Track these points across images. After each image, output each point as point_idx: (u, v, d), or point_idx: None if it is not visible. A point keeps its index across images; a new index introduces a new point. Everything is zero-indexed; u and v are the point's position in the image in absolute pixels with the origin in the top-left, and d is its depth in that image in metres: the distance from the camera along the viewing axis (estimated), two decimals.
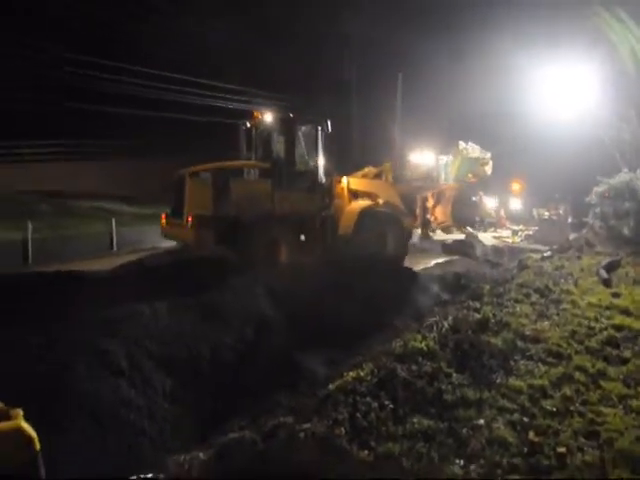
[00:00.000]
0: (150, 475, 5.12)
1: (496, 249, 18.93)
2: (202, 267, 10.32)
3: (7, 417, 4.49)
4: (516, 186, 28.31)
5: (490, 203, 26.40)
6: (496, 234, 23.80)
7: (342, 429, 4.72)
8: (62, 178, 24.62)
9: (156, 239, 15.41)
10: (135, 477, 5.19)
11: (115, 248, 13.97)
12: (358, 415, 4.96)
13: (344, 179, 13.22)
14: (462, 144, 23.67)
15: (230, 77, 27.54)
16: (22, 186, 22.74)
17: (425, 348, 6.51)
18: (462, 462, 4.31)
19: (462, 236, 20.85)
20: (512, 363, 6.40)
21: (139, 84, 24.67)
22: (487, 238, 21.63)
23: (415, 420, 4.91)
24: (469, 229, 23.09)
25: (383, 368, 5.85)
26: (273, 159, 12.11)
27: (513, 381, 5.86)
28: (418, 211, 14.41)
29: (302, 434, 4.61)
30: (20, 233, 14.34)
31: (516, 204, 27.65)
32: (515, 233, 24.15)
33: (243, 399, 6.86)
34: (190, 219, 10.56)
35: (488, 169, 25.91)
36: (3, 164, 25.02)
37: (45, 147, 26.41)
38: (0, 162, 25.10)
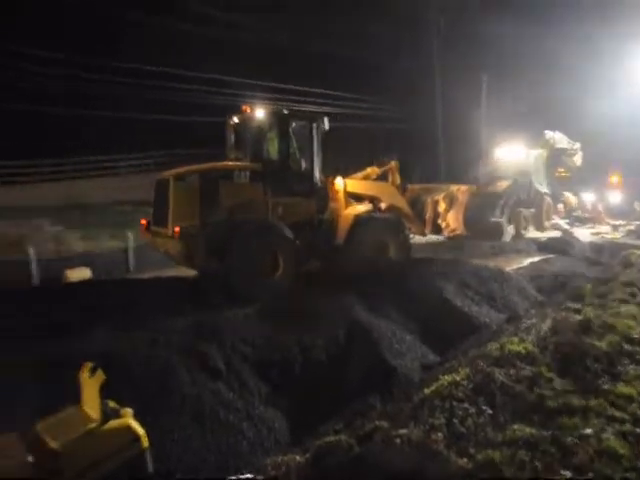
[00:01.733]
0: (249, 475, 5.25)
1: (595, 246, 17.91)
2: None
3: (118, 416, 4.78)
4: (614, 178, 26.72)
5: (587, 198, 25.10)
6: (594, 230, 22.56)
7: (439, 435, 4.63)
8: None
9: None
10: (235, 477, 5.36)
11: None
12: (455, 420, 4.85)
13: (339, 181, 11.77)
14: (549, 133, 22.64)
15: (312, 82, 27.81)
16: (118, 196, 24.06)
17: (523, 351, 6.27)
18: (569, 473, 4.10)
19: (557, 233, 19.95)
20: (619, 368, 6.03)
21: (228, 93, 25.38)
22: (585, 235, 20.56)
23: (516, 427, 4.73)
24: (564, 225, 22.07)
25: (480, 372, 5.68)
26: (265, 160, 10.88)
27: (622, 387, 5.52)
28: (428, 216, 12.94)
29: (398, 439, 4.57)
30: (120, 242, 15.19)
31: (615, 198, 26.05)
32: (615, 228, 22.79)
33: (336, 402, 6.89)
34: (176, 230, 9.45)
35: (578, 160, 24.57)
36: (102, 177, 26.76)
37: (138, 159, 27.99)
38: (99, 175, 26.92)
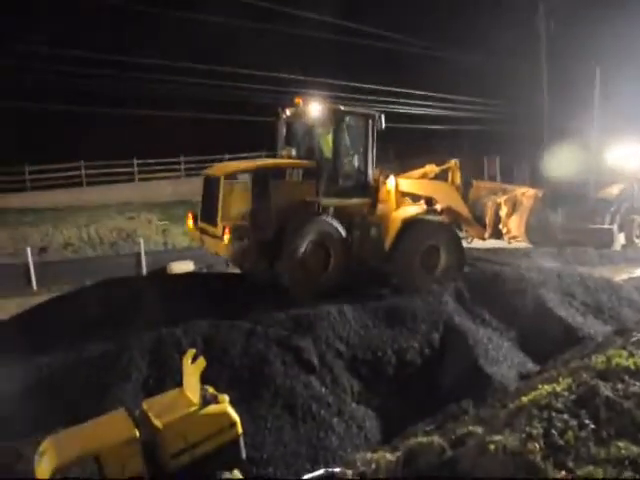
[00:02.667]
0: (338, 469, 5.30)
1: None
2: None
3: (216, 401, 5.00)
4: None
5: None
6: None
7: (536, 445, 4.45)
8: None
9: None
10: (324, 470, 5.43)
11: None
12: (554, 432, 4.64)
13: (391, 180, 11.04)
14: None
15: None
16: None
17: (633, 366, 5.87)
18: None
19: None
20: None
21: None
22: None
23: (621, 445, 4.45)
24: None
25: (583, 384, 5.39)
26: (318, 158, 10.35)
27: None
28: (489, 219, 11.58)
29: (492, 446, 4.44)
30: None
31: None
32: None
33: (428, 404, 6.82)
34: (226, 231, 9.19)
35: None
36: (191, 176, 27.56)
37: (218, 161, 28.69)
38: (191, 174, 27.83)
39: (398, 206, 10.88)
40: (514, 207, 11.54)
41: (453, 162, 11.89)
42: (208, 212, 9.78)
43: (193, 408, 4.88)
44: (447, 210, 11.25)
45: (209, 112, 25.70)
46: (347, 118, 10.39)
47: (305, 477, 5.22)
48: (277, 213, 9.54)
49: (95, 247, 17.57)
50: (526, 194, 11.59)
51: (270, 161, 10.62)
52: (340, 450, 6.13)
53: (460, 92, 28.85)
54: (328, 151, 10.41)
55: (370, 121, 10.42)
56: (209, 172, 10.17)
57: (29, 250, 13.20)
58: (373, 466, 4.88)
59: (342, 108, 10.30)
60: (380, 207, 10.79)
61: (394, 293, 9.69)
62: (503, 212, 11.41)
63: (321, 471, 5.40)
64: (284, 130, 11.07)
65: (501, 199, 11.51)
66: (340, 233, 9.78)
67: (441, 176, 11.91)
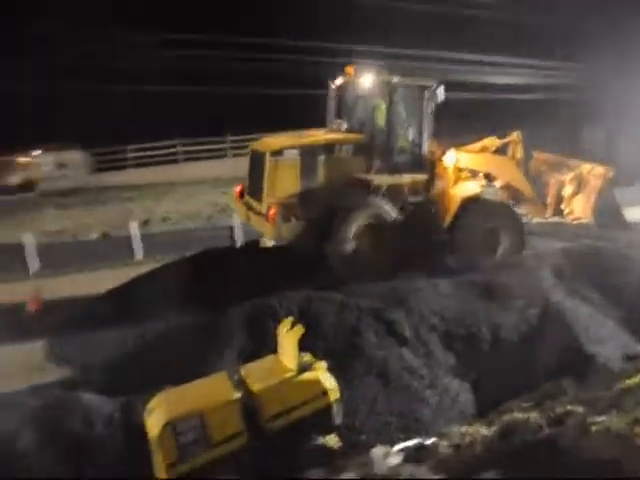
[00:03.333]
0: (431, 441, 5.33)
1: None
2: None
3: (312, 369, 5.16)
4: None
5: None
6: None
7: None
8: None
9: None
10: (416, 440, 5.48)
11: None
12: None
13: (450, 155, 10.37)
14: None
15: None
16: None
17: None
18: None
19: None
20: None
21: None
22: None
23: None
24: None
25: None
26: (370, 131, 9.81)
27: None
28: (551, 198, 10.73)
29: (595, 427, 4.29)
30: None
31: None
32: None
33: (524, 382, 6.65)
34: (272, 210, 8.91)
35: None
36: None
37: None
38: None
39: (456, 182, 10.30)
40: (579, 187, 10.48)
41: (515, 134, 11.13)
42: (254, 188, 9.56)
43: (290, 374, 5.07)
44: (507, 187, 10.63)
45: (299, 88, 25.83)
46: (401, 89, 9.77)
47: (397, 446, 5.29)
48: (326, 191, 9.26)
49: (192, 220, 18.32)
50: (593, 172, 10.40)
51: (319, 136, 10.01)
52: (433, 422, 6.15)
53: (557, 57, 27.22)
54: (381, 125, 9.80)
55: (426, 92, 9.82)
56: (256, 147, 9.85)
57: (133, 224, 13.97)
58: (467, 439, 4.87)
59: (396, 79, 9.65)
60: (438, 183, 10.24)
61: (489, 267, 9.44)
62: (567, 192, 10.46)
63: (414, 441, 5.45)
64: (334, 102, 10.51)
65: (565, 177, 10.54)
66: (392, 215, 9.37)
67: (502, 150, 11.10)
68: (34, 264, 11.84)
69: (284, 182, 9.09)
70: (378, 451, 4.88)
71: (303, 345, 5.77)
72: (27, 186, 32.80)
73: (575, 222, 10.77)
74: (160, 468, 4.56)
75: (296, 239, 9.17)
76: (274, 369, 5.26)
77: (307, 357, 5.37)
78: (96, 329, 7.59)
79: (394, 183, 9.67)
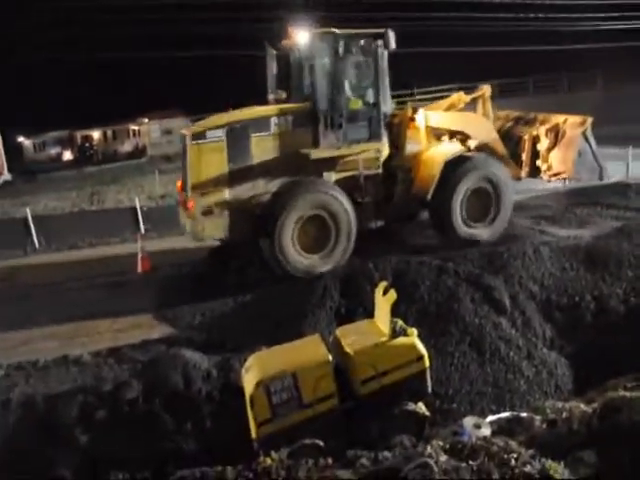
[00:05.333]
0: (525, 414, 5.18)
1: None
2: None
3: (405, 334, 5.13)
4: None
5: None
6: None
7: None
8: None
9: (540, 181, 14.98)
10: (509, 413, 5.34)
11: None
12: None
13: (420, 115, 8.95)
14: None
15: None
16: None
17: None
18: None
19: None
20: None
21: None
22: None
23: None
24: None
25: None
26: (313, 98, 8.35)
27: None
28: (525, 156, 9.41)
29: None
30: None
31: None
32: None
33: (630, 359, 6.26)
34: (190, 202, 7.80)
35: None
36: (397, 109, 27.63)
37: (439, 92, 28.21)
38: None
39: (429, 146, 9.08)
40: (556, 139, 9.34)
41: (484, 88, 10.04)
42: (183, 180, 8.33)
43: (383, 338, 5.08)
44: (482, 147, 9.37)
45: None
46: (346, 42, 8.30)
47: (490, 418, 5.19)
48: (262, 175, 8.06)
49: None
50: (569, 122, 9.30)
51: (248, 111, 8.58)
52: (528, 395, 5.98)
53: None
54: (325, 88, 8.34)
55: (376, 44, 8.35)
56: (183, 131, 8.54)
57: None
58: (565, 414, 4.68)
59: (335, 31, 8.21)
60: (408, 148, 8.95)
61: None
62: (543, 145, 9.28)
63: (507, 414, 5.33)
64: (274, 70, 9.09)
65: (540, 130, 9.35)
66: (342, 200, 8.02)
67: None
68: (142, 226, 12.54)
69: (210, 169, 7.92)
70: (469, 421, 4.81)
71: (399, 309, 5.77)
72: (138, 153, 34.89)
73: (554, 178, 9.75)
74: (253, 425, 4.76)
75: (221, 235, 8.07)
76: (369, 332, 5.28)
77: (400, 322, 5.34)
78: (198, 291, 7.98)
79: (348, 154, 8.39)
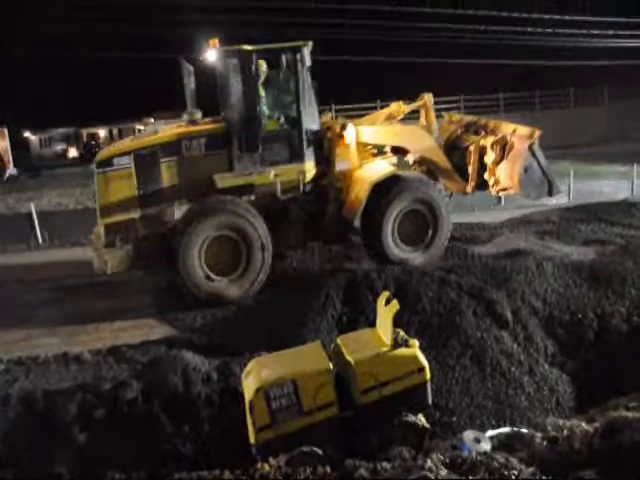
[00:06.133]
0: (526, 430, 5.15)
1: None
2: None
3: (407, 345, 5.11)
4: None
5: None
6: None
7: None
8: None
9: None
10: (509, 428, 5.32)
11: (503, 202, 14.02)
12: None
13: (349, 130, 8.36)
14: None
15: None
16: None
17: None
18: None
19: None
20: None
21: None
22: None
23: None
24: None
25: None
26: (228, 117, 8.05)
27: None
28: (471, 169, 8.74)
29: None
30: None
31: None
32: None
33: (632, 378, 6.24)
34: (98, 232, 7.63)
35: None
36: (405, 119, 27.77)
37: (446, 103, 28.35)
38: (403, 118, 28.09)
39: (361, 161, 8.63)
40: (503, 151, 8.52)
41: (426, 97, 9.36)
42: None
43: (384, 349, 5.05)
44: (422, 161, 8.88)
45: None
46: (256, 58, 7.78)
47: (490, 432, 5.17)
48: (174, 202, 7.76)
49: None
50: (518, 133, 8.54)
51: (152, 136, 8.18)
52: (528, 411, 5.93)
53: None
54: (240, 106, 7.92)
55: (293, 57, 7.94)
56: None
57: None
58: (566, 432, 4.66)
59: (247, 47, 7.75)
60: (338, 166, 8.45)
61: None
62: (490, 158, 8.56)
63: (507, 429, 5.30)
64: (193, 86, 8.62)
65: (487, 141, 8.61)
66: (254, 222, 7.56)
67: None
68: None
69: (118, 198, 7.55)
70: (469, 435, 4.79)
71: (400, 319, 5.74)
72: None
73: (502, 193, 9.03)
74: (251, 431, 4.74)
75: (129, 266, 7.67)
76: (371, 342, 5.26)
77: (402, 333, 5.32)
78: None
79: (267, 177, 7.91)
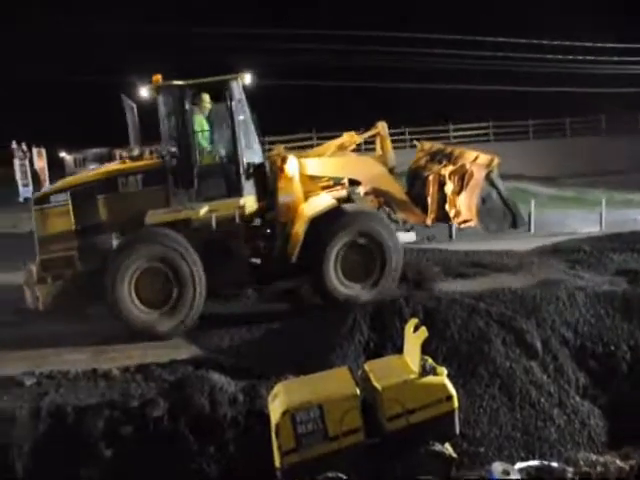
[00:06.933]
0: (556, 464, 5.05)
1: None
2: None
3: (435, 373, 5.06)
4: None
5: None
6: None
7: None
8: None
9: (576, 223, 14.81)
10: (539, 462, 5.21)
11: (532, 230, 13.86)
12: None
13: (291, 162, 8.11)
14: None
15: None
16: None
17: None
18: None
19: None
20: None
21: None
22: None
23: None
24: None
25: None
26: (163, 153, 8.03)
27: None
28: (431, 200, 8.39)
29: None
30: None
31: None
32: None
33: None
34: (34, 268, 7.68)
35: None
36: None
37: (474, 129, 28.41)
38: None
39: (307, 195, 8.24)
40: (463, 181, 8.16)
41: (380, 126, 9.01)
42: None
43: (412, 376, 5.00)
44: (374, 192, 8.62)
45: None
46: (190, 93, 7.82)
47: (519, 465, 5.06)
48: (110, 236, 7.80)
49: None
50: (477, 162, 8.12)
51: (93, 172, 8.42)
52: (558, 444, 5.80)
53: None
54: (175, 141, 7.96)
55: (226, 90, 7.87)
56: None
57: None
58: (599, 469, 4.54)
59: (178, 83, 7.80)
60: (281, 200, 8.12)
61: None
62: (449, 188, 8.18)
63: (536, 462, 5.20)
64: (136, 121, 8.60)
65: (446, 170, 8.29)
66: (186, 255, 7.42)
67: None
68: None
69: (55, 234, 7.66)
70: (498, 466, 4.70)
71: (428, 346, 5.69)
72: None
73: (464, 225, 8.58)
74: (276, 454, 4.72)
75: (65, 302, 7.61)
76: (399, 369, 5.21)
77: (430, 360, 5.28)
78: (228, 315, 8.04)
79: (203, 212, 7.72)
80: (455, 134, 28.87)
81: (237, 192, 7.94)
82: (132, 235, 7.63)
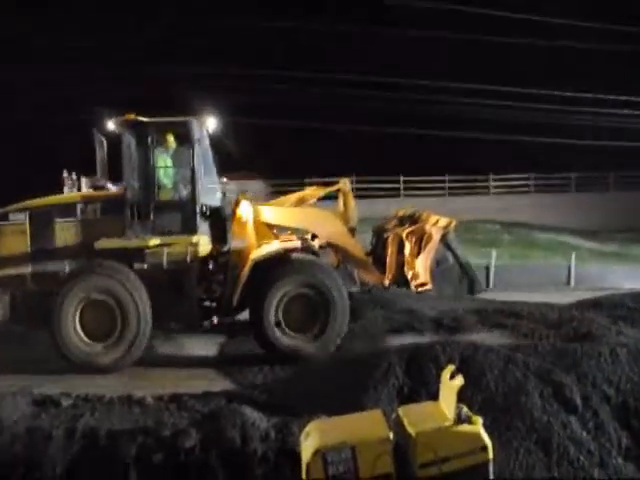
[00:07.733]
0: None
1: None
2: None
3: (470, 421, 4.96)
4: None
5: None
6: None
7: None
8: (528, 210, 25.94)
9: (618, 279, 14.50)
10: None
11: (572, 283, 13.65)
12: None
13: (244, 206, 8.46)
14: None
15: None
16: (487, 215, 24.88)
17: None
18: None
19: None
20: None
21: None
22: None
23: None
24: None
25: None
26: (126, 186, 8.28)
27: None
28: (389, 260, 8.48)
29: None
30: (483, 259, 15.62)
31: None
32: None
33: None
34: None
35: None
36: (470, 195, 28.12)
37: (515, 180, 28.38)
38: (467, 194, 28.40)
39: (261, 241, 8.47)
40: (421, 243, 8.25)
41: (342, 182, 9.36)
42: None
43: (447, 423, 4.91)
44: (331, 247, 8.77)
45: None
46: (153, 130, 8.15)
47: None
48: (64, 260, 7.99)
49: None
50: (437, 225, 8.31)
51: (52, 197, 8.82)
52: None
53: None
54: (133, 176, 8.26)
55: (190, 132, 8.16)
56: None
57: None
58: None
59: (142, 120, 8.13)
60: (233, 244, 8.46)
61: None
62: (407, 250, 8.29)
63: None
64: (104, 155, 9.02)
65: (403, 232, 8.43)
66: (131, 288, 7.55)
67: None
68: None
69: (11, 252, 8.00)
70: None
71: (463, 395, 5.59)
72: None
73: (421, 289, 8.49)
74: None
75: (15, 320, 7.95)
76: (433, 415, 5.12)
77: (465, 409, 5.18)
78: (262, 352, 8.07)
79: (157, 246, 7.85)
80: (495, 184, 28.87)
81: (191, 230, 8.11)
82: (81, 265, 7.86)
